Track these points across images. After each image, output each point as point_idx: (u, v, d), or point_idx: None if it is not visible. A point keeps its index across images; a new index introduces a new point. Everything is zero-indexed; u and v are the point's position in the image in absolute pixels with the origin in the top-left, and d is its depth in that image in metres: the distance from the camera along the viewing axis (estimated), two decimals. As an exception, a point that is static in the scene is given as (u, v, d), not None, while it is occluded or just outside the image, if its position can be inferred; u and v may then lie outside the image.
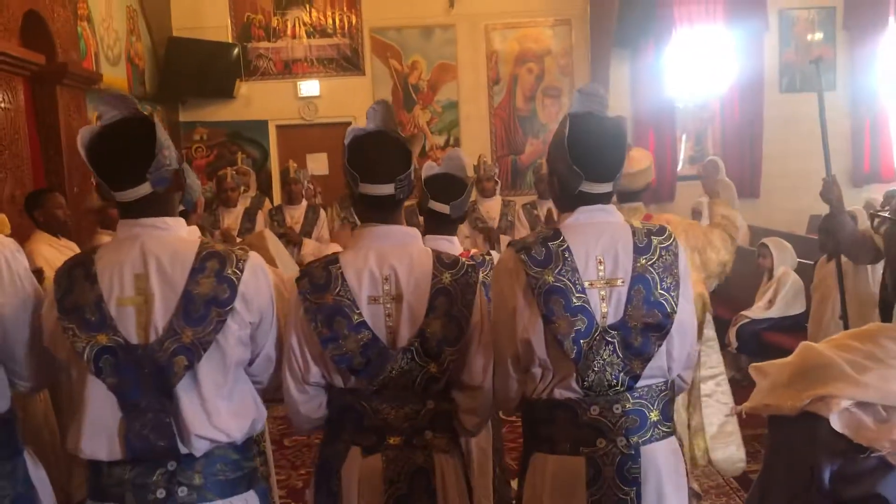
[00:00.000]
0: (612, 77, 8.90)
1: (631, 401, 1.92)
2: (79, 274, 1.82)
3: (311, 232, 6.12)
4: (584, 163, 1.92)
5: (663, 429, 1.97)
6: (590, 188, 1.95)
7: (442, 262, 2.02)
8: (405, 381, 1.95)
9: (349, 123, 9.32)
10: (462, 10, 9.07)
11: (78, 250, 4.20)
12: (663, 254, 1.95)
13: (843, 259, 4.02)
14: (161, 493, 1.80)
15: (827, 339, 1.18)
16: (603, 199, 1.98)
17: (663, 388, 1.98)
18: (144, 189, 1.82)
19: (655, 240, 1.96)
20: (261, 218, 6.25)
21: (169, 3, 8.80)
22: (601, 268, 1.92)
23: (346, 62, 9.17)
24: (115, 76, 7.32)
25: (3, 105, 5.03)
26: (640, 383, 1.93)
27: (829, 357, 1.14)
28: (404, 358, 1.95)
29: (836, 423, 1.09)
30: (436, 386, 1.99)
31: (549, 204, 6.20)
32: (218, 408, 1.82)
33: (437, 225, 2.83)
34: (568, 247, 1.92)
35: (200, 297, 1.79)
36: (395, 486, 1.96)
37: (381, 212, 2.04)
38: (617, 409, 1.91)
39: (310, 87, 9.16)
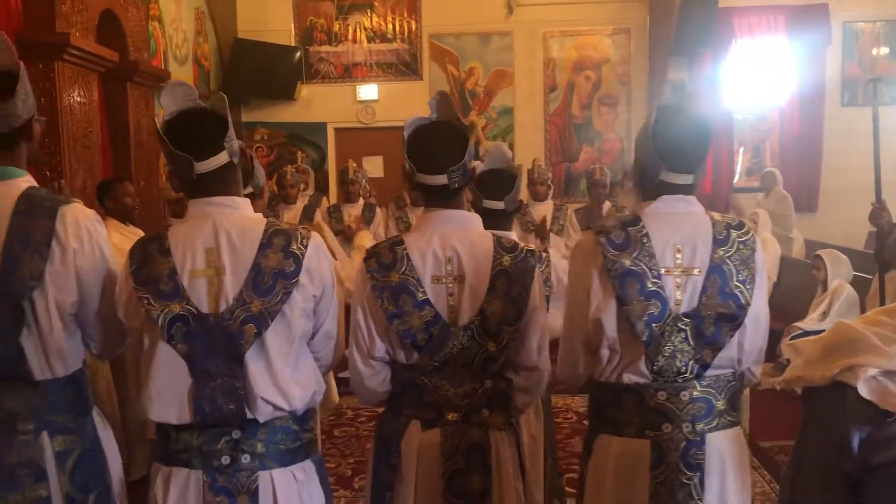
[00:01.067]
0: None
1: (699, 388, 1.97)
2: (153, 248, 1.94)
3: (369, 230, 6.25)
4: (665, 153, 2.00)
5: (729, 418, 2.01)
6: (670, 178, 2.01)
7: (502, 245, 2.11)
8: (465, 358, 2.04)
9: (406, 127, 9.46)
10: (520, 17, 9.15)
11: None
12: (741, 247, 2.00)
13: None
14: (226, 460, 1.90)
15: (860, 317, 1.23)
16: (684, 189, 2.04)
17: (731, 378, 2.02)
18: (223, 158, 1.93)
19: (734, 233, 2.01)
20: (319, 215, 6.42)
21: (235, 6, 9.06)
22: (679, 256, 1.98)
23: (405, 67, 9.33)
24: (182, 75, 7.57)
25: (78, 99, 5.26)
26: (709, 372, 1.97)
27: (860, 331, 1.19)
28: (465, 335, 2.04)
29: (864, 390, 1.14)
30: (493, 365, 2.07)
31: (601, 210, 6.24)
32: (284, 375, 1.92)
33: (492, 222, 2.89)
34: (647, 233, 1.99)
35: (268, 270, 1.90)
36: (452, 460, 2.05)
37: (440, 199, 2.15)
38: (684, 395, 1.96)
39: (368, 90, 9.34)
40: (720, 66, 8.97)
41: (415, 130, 2.15)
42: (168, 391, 1.90)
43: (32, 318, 1.95)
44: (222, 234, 1.92)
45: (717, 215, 2.06)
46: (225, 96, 1.98)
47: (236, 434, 1.91)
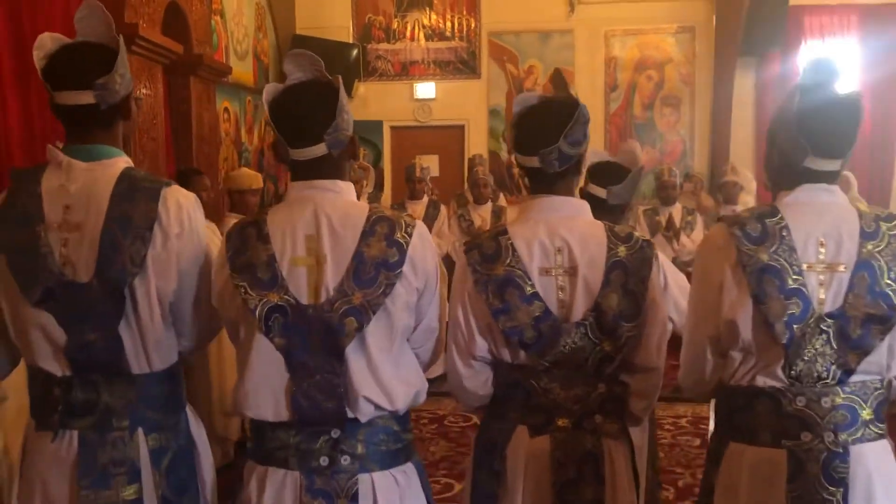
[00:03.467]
0: (736, 86, 8.64)
1: (841, 395, 1.79)
2: (251, 233, 1.82)
3: (431, 227, 6.16)
4: (812, 136, 1.81)
5: (875, 430, 1.83)
6: (815, 164, 1.83)
7: (616, 234, 1.95)
8: (577, 358, 1.89)
9: (462, 126, 9.41)
10: (582, 15, 8.98)
11: (218, 231, 4.32)
12: (892, 241, 1.81)
13: None
14: (324, 461, 1.78)
15: None
16: (829, 177, 1.85)
17: (878, 386, 1.83)
18: (320, 150, 1.81)
19: (884, 226, 1.83)
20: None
21: (294, 1, 9.04)
22: (822, 250, 1.80)
23: (463, 65, 9.22)
24: (242, 70, 7.55)
25: (144, 91, 5.23)
26: (854, 378, 1.79)
27: None
28: (577, 333, 1.89)
29: None
30: (608, 366, 1.92)
31: (671, 209, 6.04)
32: (385, 372, 1.80)
33: (595, 213, 2.73)
34: (786, 225, 1.81)
35: (371, 260, 1.77)
36: (563, 469, 1.90)
37: (545, 184, 2.00)
38: (826, 402, 1.78)
39: (425, 89, 9.26)
40: (789, 65, 8.70)
41: (522, 107, 2.02)
42: (264, 386, 1.78)
43: (132, 307, 1.83)
44: (323, 220, 1.80)
45: (863, 206, 1.88)
46: (340, 78, 1.85)
47: (335, 433, 1.79)
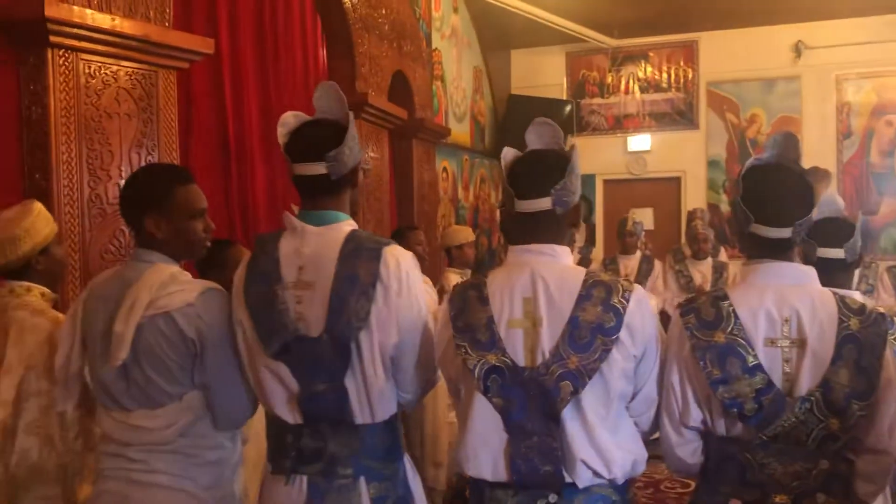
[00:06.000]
0: None
1: None
2: (472, 295, 1.90)
3: (645, 283, 6.00)
4: None
5: None
6: None
7: (847, 306, 1.82)
8: (798, 434, 1.77)
9: (678, 178, 9.18)
10: (810, 60, 8.51)
11: (432, 284, 4.51)
12: None
13: None
14: None
15: None
16: None
17: None
18: (545, 203, 1.87)
19: None
20: (594, 268, 6.28)
21: (510, 63, 9.34)
22: None
23: (679, 116, 9.03)
24: (460, 131, 7.87)
25: (372, 155, 5.60)
26: None
27: None
28: (801, 408, 1.77)
29: None
30: (833, 445, 1.78)
31: (920, 268, 5.48)
32: (603, 438, 1.78)
33: (828, 277, 2.52)
34: None
35: (586, 324, 1.78)
36: None
37: (772, 251, 1.91)
38: None
39: (640, 141, 9.16)
40: None
41: (751, 172, 1.93)
42: (484, 446, 1.83)
43: (357, 360, 1.95)
44: (540, 283, 1.84)
45: None
46: (576, 145, 1.94)
47: (553, 498, 1.79)
